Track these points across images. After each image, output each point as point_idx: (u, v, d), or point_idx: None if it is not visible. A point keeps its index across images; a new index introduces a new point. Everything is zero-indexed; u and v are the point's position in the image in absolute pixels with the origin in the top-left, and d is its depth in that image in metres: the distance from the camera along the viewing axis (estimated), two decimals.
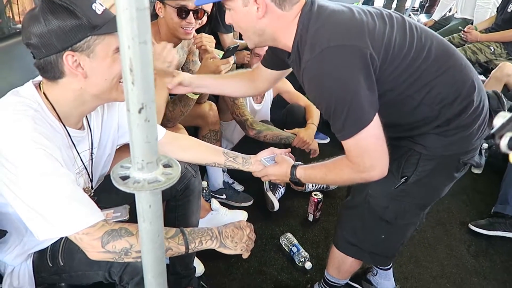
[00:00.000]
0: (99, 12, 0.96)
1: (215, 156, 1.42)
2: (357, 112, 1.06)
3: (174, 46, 1.89)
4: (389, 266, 1.76)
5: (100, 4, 0.98)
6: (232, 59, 1.85)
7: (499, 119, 0.63)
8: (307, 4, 1.14)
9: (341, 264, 1.53)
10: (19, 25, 2.19)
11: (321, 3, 1.15)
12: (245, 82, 1.57)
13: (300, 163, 1.40)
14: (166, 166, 0.64)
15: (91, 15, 0.95)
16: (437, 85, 1.14)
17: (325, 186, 2.45)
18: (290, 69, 1.44)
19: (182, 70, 2.12)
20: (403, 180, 1.25)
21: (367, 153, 1.12)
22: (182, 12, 1.71)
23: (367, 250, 1.42)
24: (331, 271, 1.60)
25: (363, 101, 1.06)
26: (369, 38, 1.07)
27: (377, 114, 1.09)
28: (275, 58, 1.41)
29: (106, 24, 0.96)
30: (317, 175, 1.32)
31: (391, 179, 1.25)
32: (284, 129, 2.22)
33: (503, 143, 0.61)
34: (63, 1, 0.93)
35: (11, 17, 1.93)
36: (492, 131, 0.62)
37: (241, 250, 1.16)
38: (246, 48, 2.45)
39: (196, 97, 1.88)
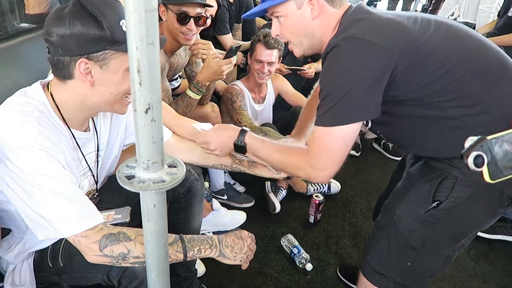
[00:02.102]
0: (125, 29, 0.96)
1: (221, 158, 1.42)
2: (344, 106, 1.05)
3: (176, 50, 1.89)
4: None
5: None
6: (234, 59, 1.85)
7: (468, 143, 0.72)
8: (351, 7, 1.16)
9: None
10: (23, 24, 2.21)
11: (366, 7, 1.16)
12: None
13: (249, 129, 1.34)
14: (171, 166, 0.64)
15: (116, 30, 0.95)
16: (487, 110, 1.04)
17: (326, 190, 2.45)
18: None
19: (185, 71, 2.12)
20: (434, 204, 1.16)
21: (328, 153, 1.10)
22: (183, 18, 1.70)
23: (392, 278, 1.30)
24: None
25: (356, 100, 1.04)
26: (401, 40, 1.04)
27: (357, 124, 1.06)
28: None
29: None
30: (264, 149, 1.28)
31: (421, 202, 1.18)
32: (288, 133, 2.21)
33: (470, 161, 0.70)
34: (93, 9, 0.92)
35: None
36: (462, 152, 0.68)
37: (241, 261, 1.14)
38: (246, 51, 2.45)
39: (198, 97, 1.88)
